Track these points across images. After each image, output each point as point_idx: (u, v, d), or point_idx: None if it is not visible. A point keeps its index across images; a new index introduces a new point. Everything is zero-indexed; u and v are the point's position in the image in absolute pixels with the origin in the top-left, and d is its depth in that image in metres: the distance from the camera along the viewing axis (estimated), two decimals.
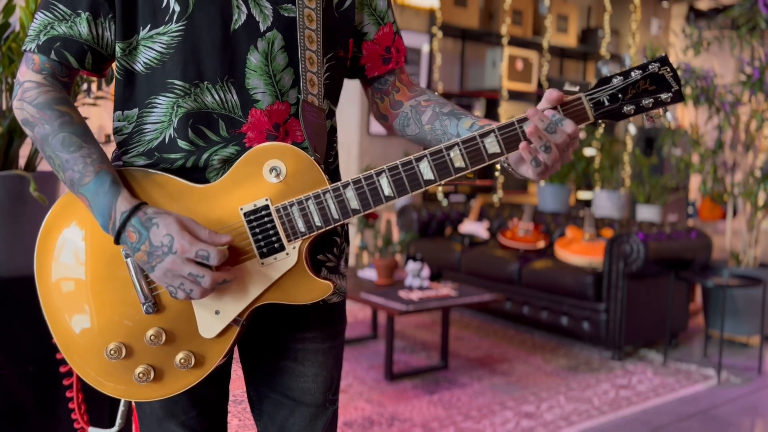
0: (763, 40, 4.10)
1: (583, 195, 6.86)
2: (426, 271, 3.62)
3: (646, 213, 5.17)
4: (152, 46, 0.99)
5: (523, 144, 0.96)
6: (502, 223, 4.97)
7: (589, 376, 3.43)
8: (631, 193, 5.92)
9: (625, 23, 7.31)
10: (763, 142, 4.32)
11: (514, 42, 6.17)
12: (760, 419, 3.02)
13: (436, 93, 1.19)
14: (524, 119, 0.97)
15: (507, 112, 5.99)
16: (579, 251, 4.07)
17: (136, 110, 1.02)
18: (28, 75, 1.00)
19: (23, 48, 1.00)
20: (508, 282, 4.26)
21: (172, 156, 1.01)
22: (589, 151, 5.95)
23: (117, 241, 0.94)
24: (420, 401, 3.02)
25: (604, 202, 5.40)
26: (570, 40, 6.62)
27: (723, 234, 7.24)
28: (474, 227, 4.94)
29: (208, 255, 0.91)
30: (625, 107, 0.97)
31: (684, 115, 7.12)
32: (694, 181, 7.43)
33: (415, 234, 4.92)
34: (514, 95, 6.13)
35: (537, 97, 6.38)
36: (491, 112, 6.15)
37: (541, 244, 4.50)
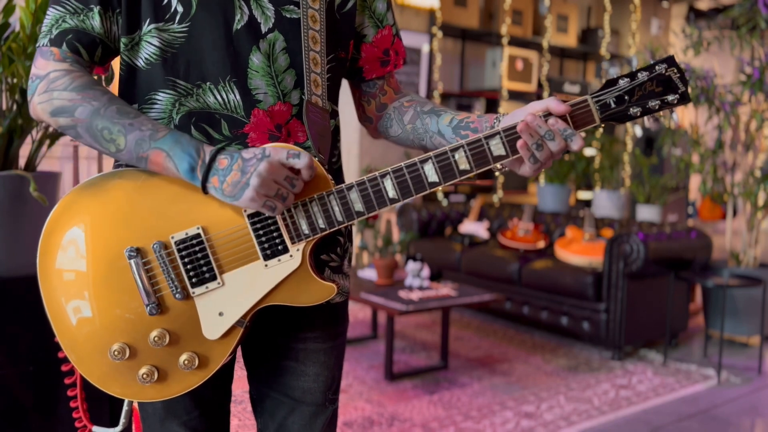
0: (763, 40, 4.09)
1: (583, 195, 6.86)
2: (426, 271, 3.62)
3: (646, 213, 5.17)
4: (152, 42, 0.99)
5: (521, 142, 0.96)
6: (502, 223, 4.97)
7: (589, 376, 3.43)
8: (631, 193, 5.93)
9: (625, 23, 7.31)
10: (763, 142, 4.31)
11: (514, 42, 6.16)
12: (760, 419, 3.02)
13: (419, 94, 1.20)
14: None
15: (507, 112, 5.97)
16: (579, 251, 4.07)
17: (135, 106, 1.02)
18: (51, 66, 0.98)
19: (37, 45, 1.00)
20: (508, 282, 4.26)
21: None
22: (589, 151, 5.95)
23: (206, 178, 0.94)
24: (420, 401, 3.01)
25: (604, 202, 5.40)
26: (570, 40, 6.62)
27: (723, 234, 7.24)
28: (474, 227, 4.93)
29: (298, 152, 0.93)
30: (631, 109, 0.96)
31: (684, 115, 7.12)
32: (694, 181, 7.43)
33: (415, 234, 4.92)
34: (514, 95, 6.12)
35: (537, 97, 6.37)
36: (491, 112, 6.14)
37: (541, 244, 4.50)
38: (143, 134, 0.95)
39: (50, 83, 0.97)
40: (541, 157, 0.96)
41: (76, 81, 0.97)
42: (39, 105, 0.98)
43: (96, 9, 0.98)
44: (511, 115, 1.02)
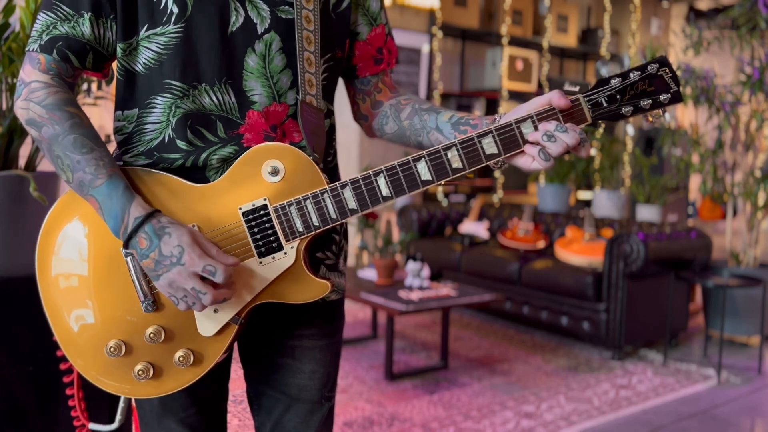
0: (763, 40, 4.09)
1: (583, 195, 6.86)
2: (426, 271, 3.62)
3: (646, 213, 5.17)
4: (150, 47, 1.00)
5: (532, 135, 0.96)
6: (502, 223, 4.97)
7: (589, 376, 3.43)
8: (631, 193, 5.92)
9: (625, 23, 7.31)
10: (763, 142, 4.31)
11: (514, 42, 6.17)
12: (760, 419, 3.02)
13: (419, 95, 1.20)
14: (522, 120, 0.97)
15: (507, 112, 5.99)
16: (579, 251, 4.08)
17: (136, 110, 1.03)
18: (34, 75, 0.99)
19: (27, 48, 1.00)
20: (508, 282, 4.26)
21: (172, 156, 1.01)
22: None
23: (126, 245, 0.94)
24: (420, 401, 3.02)
25: (604, 202, 5.40)
26: (570, 40, 6.62)
27: (723, 234, 7.24)
28: (474, 227, 4.94)
29: (214, 271, 0.91)
30: (623, 108, 0.96)
31: (684, 115, 7.12)
32: (694, 181, 7.43)
33: (415, 234, 4.92)
34: (514, 95, 6.13)
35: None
36: (491, 113, 6.14)
37: (541, 244, 4.50)
38: (85, 177, 0.95)
39: (30, 93, 0.98)
40: (554, 150, 0.95)
41: (49, 98, 0.97)
42: (19, 110, 1.00)
43: (87, 15, 0.98)
44: (512, 111, 1.01)
